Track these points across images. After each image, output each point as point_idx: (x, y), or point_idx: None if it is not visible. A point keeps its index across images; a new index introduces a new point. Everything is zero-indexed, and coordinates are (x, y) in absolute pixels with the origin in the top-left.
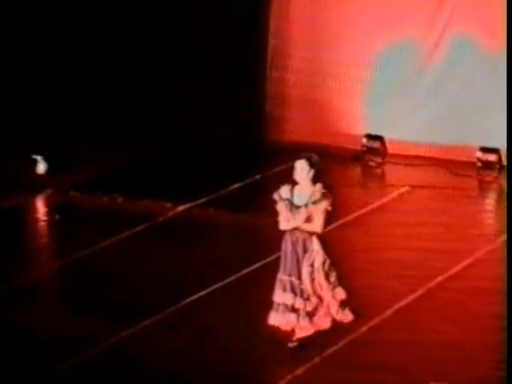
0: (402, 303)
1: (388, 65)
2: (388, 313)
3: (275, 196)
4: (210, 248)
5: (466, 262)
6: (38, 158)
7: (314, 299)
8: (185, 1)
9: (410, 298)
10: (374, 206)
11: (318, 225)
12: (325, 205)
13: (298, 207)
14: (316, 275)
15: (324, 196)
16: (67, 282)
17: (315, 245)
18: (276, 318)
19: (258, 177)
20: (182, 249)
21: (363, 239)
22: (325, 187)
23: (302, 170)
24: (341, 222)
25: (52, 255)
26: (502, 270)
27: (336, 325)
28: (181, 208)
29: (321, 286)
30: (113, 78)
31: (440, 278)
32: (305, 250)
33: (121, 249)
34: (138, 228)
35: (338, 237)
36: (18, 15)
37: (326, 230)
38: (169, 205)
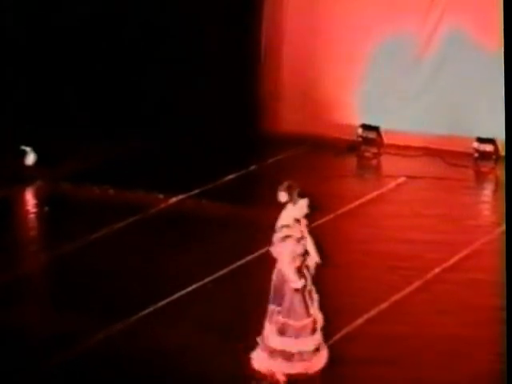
0: (398, 295)
1: (384, 56)
2: (384, 305)
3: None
4: (203, 239)
5: (462, 254)
6: (27, 149)
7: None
8: None
9: (407, 290)
10: (370, 196)
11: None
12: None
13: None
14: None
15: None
16: (56, 275)
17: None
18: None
19: (252, 167)
20: (175, 241)
21: (359, 230)
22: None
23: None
24: (336, 213)
25: (41, 248)
26: (500, 261)
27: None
28: (173, 199)
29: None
30: (105, 68)
31: (437, 270)
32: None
33: (112, 241)
34: (130, 220)
35: (334, 228)
36: (15, 11)
37: (323, 220)
38: (161, 196)
